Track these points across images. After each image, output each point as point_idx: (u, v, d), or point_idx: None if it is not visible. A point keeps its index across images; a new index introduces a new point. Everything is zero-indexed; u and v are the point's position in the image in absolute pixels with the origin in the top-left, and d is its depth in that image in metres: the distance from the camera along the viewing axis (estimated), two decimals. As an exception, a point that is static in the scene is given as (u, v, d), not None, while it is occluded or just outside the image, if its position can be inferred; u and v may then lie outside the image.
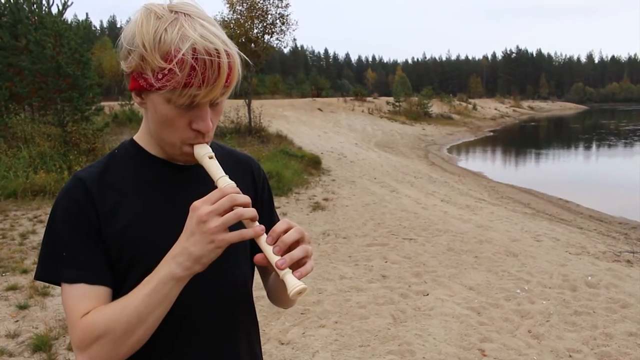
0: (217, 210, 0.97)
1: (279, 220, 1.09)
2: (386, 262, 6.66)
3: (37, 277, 1.10)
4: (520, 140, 38.72)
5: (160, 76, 1.00)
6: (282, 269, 0.99)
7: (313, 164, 14.87)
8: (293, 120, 29.56)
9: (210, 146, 1.12)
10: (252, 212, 1.00)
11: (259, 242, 1.01)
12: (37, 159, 11.26)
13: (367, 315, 4.97)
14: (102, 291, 1.06)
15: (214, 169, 1.07)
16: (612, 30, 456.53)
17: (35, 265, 1.22)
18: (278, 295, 1.29)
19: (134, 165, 1.16)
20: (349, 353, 4.25)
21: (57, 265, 1.06)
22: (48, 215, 1.12)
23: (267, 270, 1.31)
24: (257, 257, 1.04)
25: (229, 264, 1.18)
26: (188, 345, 1.14)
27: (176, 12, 1.02)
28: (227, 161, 1.17)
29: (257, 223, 1.01)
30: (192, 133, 1.07)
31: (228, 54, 1.01)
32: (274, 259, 0.99)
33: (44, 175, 10.26)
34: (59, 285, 1.07)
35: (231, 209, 0.98)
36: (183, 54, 0.97)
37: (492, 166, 24.69)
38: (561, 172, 22.56)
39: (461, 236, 8.02)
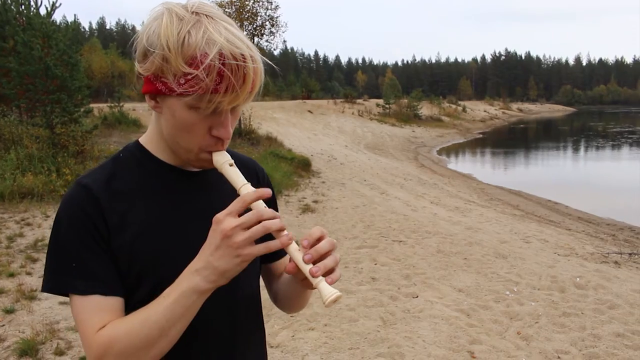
0: (243, 224, 0.94)
1: None
2: (376, 264, 6.66)
3: (46, 289, 1.05)
4: (509, 142, 38.91)
5: (182, 81, 0.96)
6: (316, 277, 0.98)
7: (303, 166, 14.87)
8: (283, 122, 29.53)
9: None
10: (278, 223, 0.97)
11: (288, 251, 1.00)
12: (25, 161, 11.15)
13: (356, 318, 4.97)
14: (116, 303, 1.03)
15: (236, 177, 1.05)
16: (599, 34, 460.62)
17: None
18: (290, 300, 1.28)
19: (141, 171, 1.11)
20: (339, 356, 4.24)
21: (67, 277, 1.01)
22: (53, 224, 1.06)
23: (273, 276, 1.32)
24: (290, 267, 1.02)
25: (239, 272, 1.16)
26: (202, 354, 1.13)
27: (197, 14, 0.98)
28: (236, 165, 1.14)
29: (285, 232, 0.99)
30: (211, 140, 1.04)
31: (253, 59, 0.98)
32: (307, 267, 0.99)
33: (31, 178, 10.16)
34: (67, 296, 1.03)
35: (258, 222, 0.95)
36: (211, 60, 0.93)
37: (482, 168, 24.81)
38: (550, 173, 22.72)
39: (450, 238, 8.04)
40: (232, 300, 1.16)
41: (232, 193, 1.08)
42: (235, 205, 0.96)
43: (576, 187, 18.31)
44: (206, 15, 0.98)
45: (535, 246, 8.22)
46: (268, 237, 0.97)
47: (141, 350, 0.98)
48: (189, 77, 0.95)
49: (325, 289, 0.98)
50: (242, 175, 1.05)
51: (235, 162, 1.09)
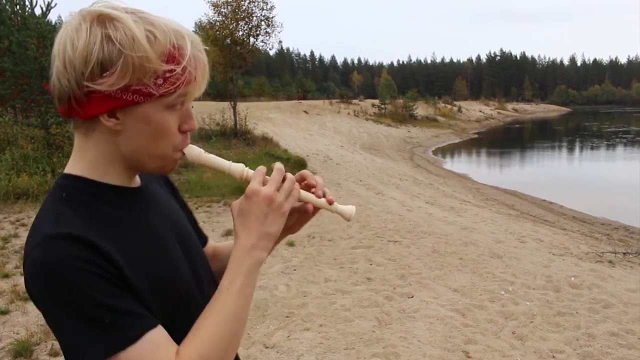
0: (277, 186, 1.02)
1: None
2: (371, 264, 6.67)
3: None
4: (504, 142, 39.01)
5: (161, 81, 0.91)
6: (333, 203, 1.12)
7: (299, 166, 14.85)
8: (279, 122, 29.52)
9: None
10: (292, 175, 1.07)
11: (302, 196, 1.10)
12: (20, 161, 11.12)
13: (351, 318, 4.98)
14: (164, 329, 0.94)
15: (218, 160, 1.08)
16: (593, 34, 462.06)
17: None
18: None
19: (101, 204, 0.98)
20: (334, 356, 4.25)
21: (108, 337, 0.86)
22: (52, 297, 0.88)
23: (214, 255, 1.35)
24: (309, 207, 1.12)
25: (199, 246, 1.22)
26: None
27: (133, 12, 0.92)
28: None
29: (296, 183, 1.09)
30: (182, 136, 1.00)
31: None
32: (322, 200, 1.12)
33: (27, 178, 10.14)
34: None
35: (283, 179, 1.04)
36: (190, 51, 0.93)
37: (477, 168, 24.87)
38: (545, 173, 22.79)
39: (446, 238, 8.05)
40: (207, 270, 1.21)
41: (162, 194, 1.18)
42: (257, 177, 1.03)
43: (571, 186, 18.37)
44: (139, 11, 0.94)
45: (530, 246, 8.24)
46: None
47: (230, 348, 0.98)
48: (168, 75, 0.91)
49: (345, 208, 1.15)
50: (221, 157, 1.08)
51: (145, 177, 1.13)
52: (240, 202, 1.03)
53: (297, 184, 1.07)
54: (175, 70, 0.91)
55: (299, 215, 1.16)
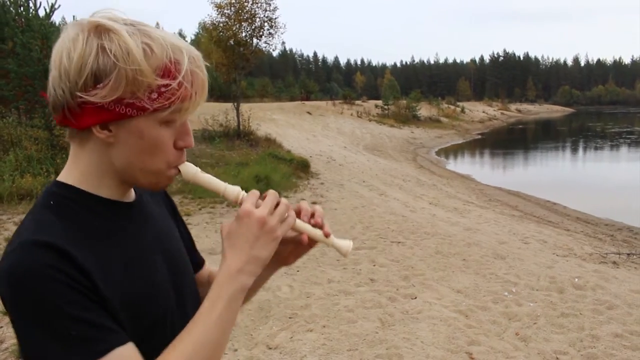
0: (271, 209, 0.98)
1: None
2: (374, 265, 6.67)
3: None
4: (508, 143, 38.96)
5: (155, 96, 0.89)
6: (329, 236, 1.08)
7: (302, 167, 14.86)
8: (282, 123, 29.53)
9: None
10: (286, 201, 1.03)
11: (296, 225, 1.06)
12: (24, 162, 11.15)
13: (355, 319, 4.97)
14: (134, 347, 0.90)
15: (214, 181, 1.05)
16: (597, 34, 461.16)
17: None
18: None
19: (89, 215, 0.96)
20: (337, 357, 4.24)
21: (74, 350, 0.83)
22: (17, 307, 0.85)
23: (199, 285, 1.27)
24: (304, 238, 1.09)
25: (189, 269, 1.19)
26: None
27: (133, 25, 0.91)
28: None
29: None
30: (177, 153, 0.99)
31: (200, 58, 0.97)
32: (318, 232, 1.08)
33: (30, 179, 10.16)
34: None
35: (277, 204, 1.01)
36: (187, 66, 0.91)
37: (480, 169, 24.85)
38: (549, 174, 22.76)
39: (449, 239, 8.04)
40: (193, 294, 1.18)
41: (159, 213, 1.15)
42: (250, 199, 1.00)
43: (575, 187, 18.34)
44: (138, 23, 0.92)
45: (533, 247, 8.23)
46: None
47: None
48: (163, 89, 0.90)
49: (342, 242, 1.11)
50: (217, 178, 1.06)
51: (143, 193, 1.11)
52: (231, 223, 1.00)
53: (292, 211, 1.04)
54: (170, 85, 0.90)
55: (294, 246, 1.14)
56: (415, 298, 5.57)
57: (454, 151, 32.99)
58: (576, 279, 6.28)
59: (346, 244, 1.10)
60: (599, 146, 35.14)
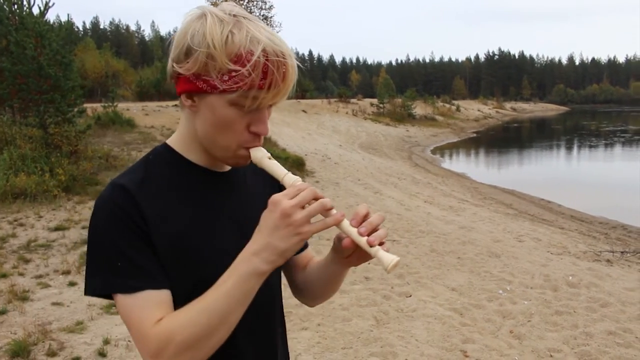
0: (301, 202, 0.98)
1: None
2: (369, 263, 6.67)
3: (91, 292, 1.04)
4: (503, 141, 39.04)
5: (226, 78, 1.00)
6: (374, 246, 1.04)
7: (297, 165, 14.86)
8: (277, 121, 29.50)
9: None
10: (329, 202, 1.02)
11: (341, 227, 1.05)
12: (18, 161, 11.10)
13: (349, 318, 4.98)
14: (167, 296, 1.03)
15: (277, 168, 1.09)
16: (592, 33, 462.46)
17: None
18: (324, 285, 1.31)
19: (172, 172, 1.13)
20: (332, 355, 4.25)
21: (113, 277, 1.01)
22: (90, 227, 1.05)
23: (297, 268, 1.35)
24: (346, 242, 1.06)
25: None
26: (248, 341, 1.17)
27: (235, 16, 1.03)
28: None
29: (334, 211, 1.03)
30: (249, 136, 1.08)
31: (292, 57, 1.05)
32: (363, 239, 1.04)
33: (25, 178, 10.12)
34: (111, 298, 1.03)
35: (313, 200, 1.00)
36: (257, 57, 0.99)
37: (475, 167, 24.89)
38: (543, 172, 22.80)
39: (444, 237, 8.06)
40: (261, 294, 1.14)
41: (255, 192, 1.23)
42: (289, 190, 1.01)
43: (569, 185, 18.39)
44: (244, 17, 1.03)
45: (528, 245, 8.25)
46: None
47: (202, 339, 0.98)
48: (234, 74, 0.99)
49: (385, 256, 1.04)
50: (281, 166, 1.09)
51: (248, 170, 1.18)
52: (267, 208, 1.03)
53: (334, 211, 1.03)
54: (239, 70, 0.99)
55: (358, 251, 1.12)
56: (410, 296, 5.59)
57: (449, 149, 33.01)
58: (570, 277, 6.31)
59: (389, 258, 1.03)
60: (593, 145, 35.25)
